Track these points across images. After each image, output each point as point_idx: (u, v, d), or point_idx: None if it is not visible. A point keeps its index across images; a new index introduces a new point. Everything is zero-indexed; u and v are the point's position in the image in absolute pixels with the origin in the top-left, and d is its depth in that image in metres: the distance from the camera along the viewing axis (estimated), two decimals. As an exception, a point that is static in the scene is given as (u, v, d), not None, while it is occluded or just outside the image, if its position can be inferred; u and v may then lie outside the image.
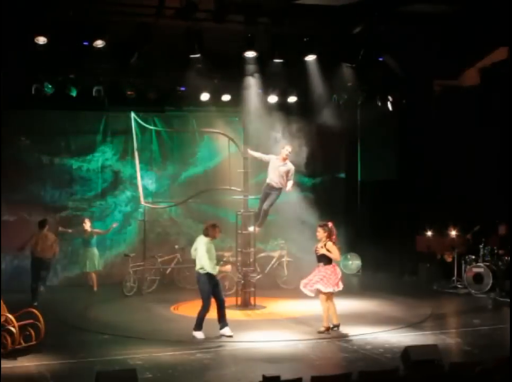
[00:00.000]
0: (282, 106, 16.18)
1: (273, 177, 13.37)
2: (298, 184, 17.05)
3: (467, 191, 16.33)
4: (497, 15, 12.83)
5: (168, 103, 15.96)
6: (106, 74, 14.54)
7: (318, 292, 11.22)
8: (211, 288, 10.93)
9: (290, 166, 13.33)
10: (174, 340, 10.79)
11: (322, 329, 11.16)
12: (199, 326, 10.93)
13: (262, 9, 12.71)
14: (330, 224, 11.39)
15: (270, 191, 13.42)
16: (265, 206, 13.47)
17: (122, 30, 12.93)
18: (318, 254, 11.20)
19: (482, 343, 10.69)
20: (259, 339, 10.86)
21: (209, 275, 10.89)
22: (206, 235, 11.09)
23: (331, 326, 11.21)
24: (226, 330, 10.95)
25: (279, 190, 13.45)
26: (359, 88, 16.23)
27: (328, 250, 11.11)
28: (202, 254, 10.91)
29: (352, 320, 12.07)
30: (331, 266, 11.19)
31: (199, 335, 10.88)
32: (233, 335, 10.88)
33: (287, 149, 13.31)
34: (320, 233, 11.25)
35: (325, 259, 11.15)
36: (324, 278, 11.07)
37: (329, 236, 11.23)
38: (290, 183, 13.23)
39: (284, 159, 13.29)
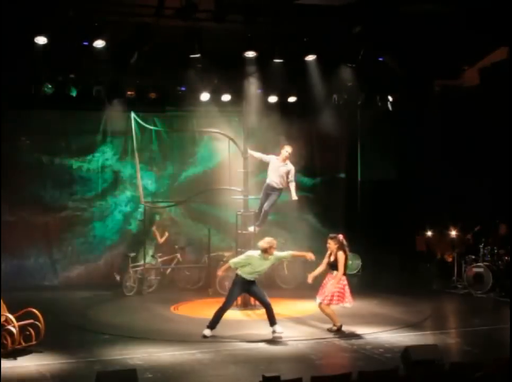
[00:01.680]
0: (282, 106, 16.19)
1: (273, 177, 13.38)
2: (298, 184, 17.07)
3: (467, 191, 16.33)
4: (497, 15, 12.83)
5: (168, 103, 15.93)
6: (106, 74, 14.53)
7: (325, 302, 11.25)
8: (236, 289, 11.07)
9: (290, 167, 13.35)
10: (174, 340, 10.79)
11: (335, 328, 11.19)
12: (211, 324, 10.95)
13: (262, 9, 12.71)
14: (341, 236, 11.39)
15: (271, 192, 13.43)
16: (265, 206, 13.47)
17: (122, 30, 12.93)
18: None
19: (482, 342, 10.69)
20: (259, 339, 10.87)
21: (238, 277, 11.05)
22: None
23: (335, 328, 11.24)
24: (276, 328, 10.99)
25: (280, 190, 13.46)
26: (359, 88, 16.24)
27: (335, 261, 11.18)
28: None
29: (352, 320, 12.08)
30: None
31: (206, 332, 10.90)
32: (283, 333, 10.91)
33: (286, 150, 13.33)
34: (331, 245, 11.29)
35: (336, 268, 11.21)
36: (341, 294, 11.15)
37: (340, 248, 11.25)
38: (293, 188, 13.21)
39: (285, 159, 13.32)
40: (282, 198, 13.86)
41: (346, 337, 10.95)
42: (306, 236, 16.80)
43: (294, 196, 13.27)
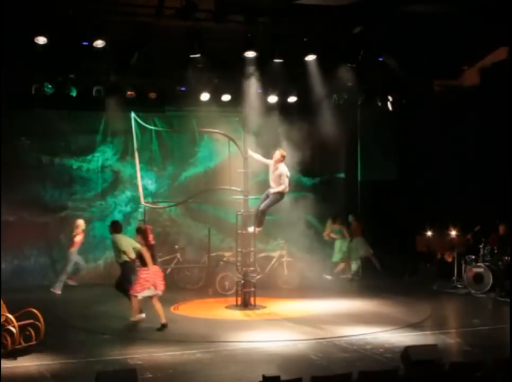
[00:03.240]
0: (282, 106, 16.20)
1: (270, 181, 13.33)
2: (298, 184, 17.10)
3: (467, 191, 16.31)
4: (497, 15, 12.84)
5: (168, 103, 15.95)
6: (106, 74, 14.53)
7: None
8: None
9: (282, 171, 12.98)
10: (174, 340, 10.78)
11: (159, 326, 11.40)
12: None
13: (262, 9, 12.72)
14: (144, 226, 11.82)
15: (269, 195, 13.37)
16: (261, 206, 13.41)
17: (122, 30, 12.94)
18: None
19: (482, 343, 10.67)
20: (259, 339, 10.86)
21: None
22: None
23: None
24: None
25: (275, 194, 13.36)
26: (359, 88, 16.23)
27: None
28: None
29: (352, 320, 12.07)
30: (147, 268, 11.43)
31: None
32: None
33: (277, 153, 13.09)
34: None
35: (141, 261, 11.53)
36: (146, 281, 11.46)
37: (143, 239, 11.47)
38: (278, 188, 12.95)
39: (276, 162, 13.10)
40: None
41: (346, 337, 10.93)
42: (305, 236, 16.82)
43: (273, 190, 13.04)
